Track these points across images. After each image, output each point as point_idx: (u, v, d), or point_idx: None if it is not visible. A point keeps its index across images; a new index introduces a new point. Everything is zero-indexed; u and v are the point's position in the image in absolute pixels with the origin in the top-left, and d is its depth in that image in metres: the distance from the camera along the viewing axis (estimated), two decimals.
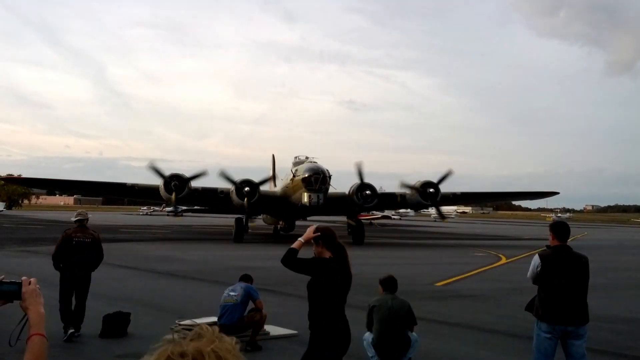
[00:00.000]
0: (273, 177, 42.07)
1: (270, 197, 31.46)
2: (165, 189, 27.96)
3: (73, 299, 8.26)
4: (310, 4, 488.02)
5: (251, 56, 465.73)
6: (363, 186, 29.43)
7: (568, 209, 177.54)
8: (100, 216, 72.96)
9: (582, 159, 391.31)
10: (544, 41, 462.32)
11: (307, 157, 31.08)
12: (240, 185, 28.71)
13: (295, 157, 32.02)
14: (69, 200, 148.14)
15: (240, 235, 29.95)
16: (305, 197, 28.08)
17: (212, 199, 31.76)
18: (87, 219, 8.59)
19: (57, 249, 8.35)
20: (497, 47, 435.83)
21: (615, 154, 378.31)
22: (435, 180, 29.82)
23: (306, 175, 28.11)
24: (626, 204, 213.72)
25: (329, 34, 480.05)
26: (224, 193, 30.46)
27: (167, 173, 28.39)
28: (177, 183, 27.85)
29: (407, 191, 30.73)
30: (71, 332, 7.86)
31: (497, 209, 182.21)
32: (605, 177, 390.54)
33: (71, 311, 7.97)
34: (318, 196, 28.03)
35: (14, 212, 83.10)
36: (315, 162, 29.37)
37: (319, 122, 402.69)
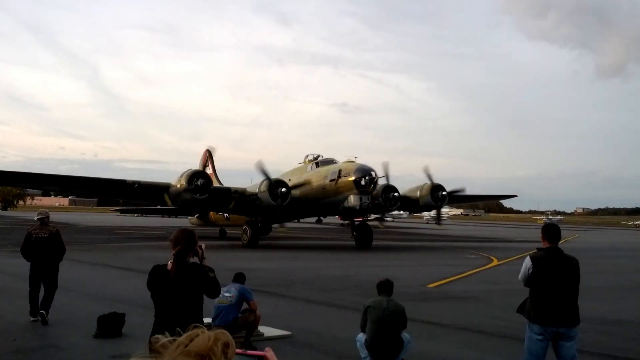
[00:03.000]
0: (214, 173, 39.55)
1: (295, 197, 28.20)
2: (188, 184, 24.71)
3: (42, 288, 9.37)
4: (304, 7, 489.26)
5: (245, 59, 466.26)
6: (389, 188, 28.67)
7: (559, 211, 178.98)
8: (96, 217, 72.76)
9: (573, 162, 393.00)
10: (535, 44, 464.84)
11: (319, 155, 29.79)
12: (274, 184, 26.18)
13: (308, 156, 30.07)
14: (64, 201, 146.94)
15: (255, 239, 27.62)
16: (354, 199, 26.14)
17: (222, 201, 28.32)
18: (48, 217, 9.85)
19: (22, 245, 9.66)
20: (488, 50, 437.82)
21: (606, 157, 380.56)
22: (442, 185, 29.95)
23: (356, 177, 26.01)
24: (616, 206, 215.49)
25: (323, 37, 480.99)
26: (239, 193, 28.14)
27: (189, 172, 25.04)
28: (204, 181, 25.03)
29: (418, 193, 30.21)
30: (41, 313, 8.95)
31: (488, 211, 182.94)
32: (596, 180, 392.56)
33: (37, 299, 9.17)
34: (368, 198, 26.49)
35: (9, 213, 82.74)
36: (353, 161, 27.35)
37: (312, 124, 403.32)
